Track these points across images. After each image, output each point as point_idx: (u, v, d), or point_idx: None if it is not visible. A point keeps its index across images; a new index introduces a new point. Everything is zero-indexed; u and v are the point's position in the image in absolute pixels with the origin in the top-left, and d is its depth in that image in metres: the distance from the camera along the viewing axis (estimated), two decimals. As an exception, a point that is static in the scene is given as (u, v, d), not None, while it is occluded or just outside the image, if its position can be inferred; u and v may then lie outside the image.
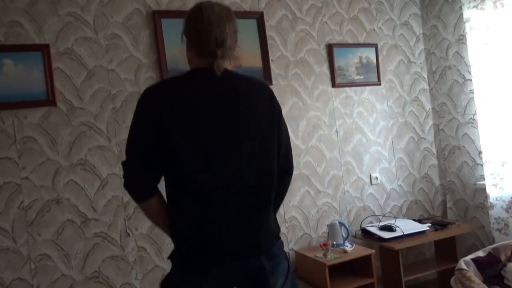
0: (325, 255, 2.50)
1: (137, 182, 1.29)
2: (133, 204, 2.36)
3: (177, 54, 2.46)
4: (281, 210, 2.76)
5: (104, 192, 2.31)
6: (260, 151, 1.32)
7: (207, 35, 1.28)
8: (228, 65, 1.36)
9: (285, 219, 2.77)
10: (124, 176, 1.29)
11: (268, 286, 1.32)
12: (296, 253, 2.74)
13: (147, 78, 2.43)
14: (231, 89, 1.31)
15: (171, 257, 1.35)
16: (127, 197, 2.34)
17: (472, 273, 2.09)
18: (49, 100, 2.20)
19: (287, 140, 1.47)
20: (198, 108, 1.26)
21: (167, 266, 2.40)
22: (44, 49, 2.19)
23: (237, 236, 1.28)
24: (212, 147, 1.26)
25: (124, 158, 1.30)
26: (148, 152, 1.25)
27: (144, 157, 1.26)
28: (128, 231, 2.35)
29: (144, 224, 2.38)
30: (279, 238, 1.40)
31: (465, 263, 2.16)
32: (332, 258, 2.48)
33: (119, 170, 2.34)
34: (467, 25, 2.92)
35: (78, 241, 2.24)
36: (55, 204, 2.21)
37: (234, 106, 1.29)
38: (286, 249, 2.75)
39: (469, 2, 2.89)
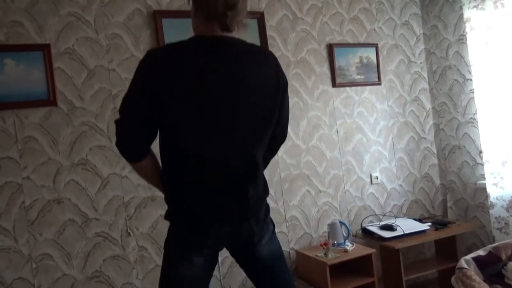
0: (325, 254, 2.51)
1: (130, 142, 1.29)
2: (134, 204, 2.36)
3: (178, 54, 2.46)
4: (281, 209, 2.76)
5: (105, 192, 2.31)
6: (259, 125, 1.32)
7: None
8: (236, 32, 1.30)
9: (285, 218, 2.77)
10: (117, 135, 1.28)
11: (254, 244, 1.39)
12: (297, 252, 2.74)
13: (148, 78, 2.43)
14: (237, 59, 1.27)
15: (168, 217, 1.36)
16: (128, 197, 2.35)
17: (473, 272, 2.09)
18: (50, 100, 2.20)
19: (287, 112, 1.46)
20: (200, 78, 1.22)
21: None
22: (45, 49, 2.19)
23: (230, 202, 1.31)
24: (211, 120, 1.24)
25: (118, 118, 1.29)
26: (143, 115, 1.23)
27: (138, 119, 1.24)
28: (129, 230, 2.35)
29: (145, 223, 2.38)
30: (266, 202, 1.43)
31: (465, 262, 2.17)
32: (333, 257, 2.48)
33: (120, 170, 2.35)
34: (467, 25, 2.93)
35: (79, 241, 2.24)
36: (56, 204, 2.21)
37: (239, 79, 1.25)
38: (286, 248, 2.76)
39: (470, 2, 2.90)
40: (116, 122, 1.29)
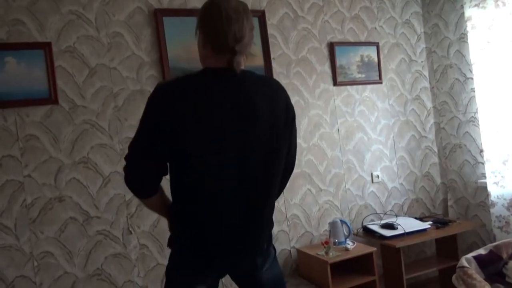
0: (326, 253, 2.51)
1: (141, 181, 1.27)
2: (135, 202, 2.36)
3: (179, 53, 2.47)
4: (282, 208, 2.77)
5: (106, 190, 2.32)
6: (270, 158, 1.31)
7: (226, 32, 1.21)
8: (244, 62, 1.31)
9: (286, 217, 2.78)
10: (127, 171, 1.25)
11: (255, 271, 1.39)
12: (298, 251, 2.74)
13: (149, 76, 2.44)
14: (249, 93, 1.26)
15: (171, 245, 1.36)
16: (129, 195, 2.35)
17: (474, 270, 2.09)
18: (51, 98, 2.20)
19: (296, 144, 1.47)
20: (213, 111, 1.21)
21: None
22: (46, 47, 2.19)
23: (237, 237, 1.31)
24: (225, 154, 1.22)
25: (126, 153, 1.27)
26: (155, 152, 1.22)
27: (150, 158, 1.22)
28: (131, 228, 2.35)
29: (147, 221, 2.39)
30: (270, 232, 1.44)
31: (466, 260, 2.17)
32: (334, 256, 2.48)
33: (121, 168, 2.34)
34: (468, 23, 2.92)
35: (80, 239, 2.25)
36: (58, 202, 2.21)
37: (251, 112, 1.25)
38: (287, 247, 2.76)
39: (471, 1, 2.89)
40: (127, 159, 1.25)
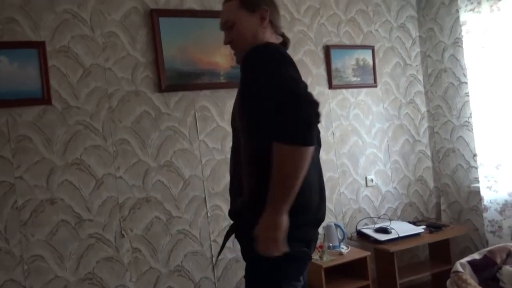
0: (321, 257, 2.50)
1: (318, 113, 1.14)
2: (128, 205, 2.33)
3: (175, 53, 2.44)
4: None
5: (99, 192, 2.28)
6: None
7: (279, 15, 1.46)
8: None
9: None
10: (298, 108, 1.10)
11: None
12: (292, 254, 2.73)
13: (144, 77, 2.41)
14: None
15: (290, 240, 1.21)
16: (122, 198, 2.32)
17: (468, 275, 2.10)
18: (44, 98, 2.16)
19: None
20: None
21: (162, 268, 2.38)
22: (40, 46, 2.15)
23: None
24: None
25: None
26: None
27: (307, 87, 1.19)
28: (123, 232, 2.32)
29: (140, 225, 2.35)
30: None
31: (461, 265, 2.18)
32: (328, 260, 2.48)
33: (114, 170, 2.32)
34: (463, 28, 2.94)
35: (72, 242, 2.21)
36: (49, 204, 2.17)
37: None
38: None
39: (466, 6, 2.91)
40: (292, 95, 1.11)
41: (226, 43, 1.43)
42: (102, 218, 2.28)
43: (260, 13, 1.37)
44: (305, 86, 1.19)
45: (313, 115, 1.12)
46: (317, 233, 1.44)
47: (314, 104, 1.13)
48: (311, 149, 1.13)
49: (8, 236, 2.08)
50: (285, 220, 1.16)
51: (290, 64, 1.22)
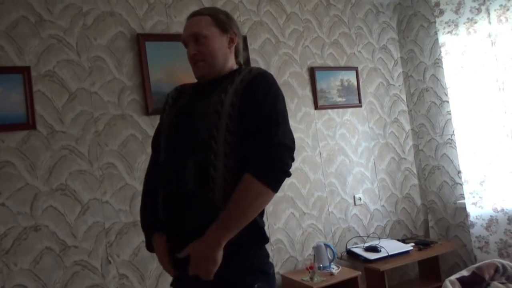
0: (311, 278, 2.48)
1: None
2: (115, 230, 2.29)
3: (162, 77, 2.45)
4: (266, 232, 2.72)
5: (84, 218, 2.23)
6: None
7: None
8: None
9: (270, 242, 2.74)
10: (289, 161, 1.23)
11: None
12: (282, 276, 2.70)
13: (131, 100, 2.40)
14: None
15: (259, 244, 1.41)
16: (108, 223, 2.28)
17: (458, 292, 2.09)
18: (29, 123, 2.13)
19: None
20: None
21: (150, 294, 2.32)
22: (24, 71, 2.14)
23: None
24: None
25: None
26: None
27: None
28: (110, 258, 2.27)
29: (126, 250, 2.30)
30: None
31: (450, 283, 2.17)
32: (319, 281, 2.45)
33: (101, 195, 2.28)
34: (442, 49, 3.03)
35: (56, 270, 2.14)
36: (33, 231, 2.12)
37: None
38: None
39: (444, 28, 3.01)
40: (290, 149, 1.24)
41: (193, 54, 1.37)
42: (88, 244, 2.23)
43: (230, 35, 1.38)
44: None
45: (289, 167, 1.25)
46: None
47: (291, 158, 1.26)
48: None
49: (-11, 266, 2.02)
50: (220, 255, 1.19)
51: (284, 104, 1.34)
